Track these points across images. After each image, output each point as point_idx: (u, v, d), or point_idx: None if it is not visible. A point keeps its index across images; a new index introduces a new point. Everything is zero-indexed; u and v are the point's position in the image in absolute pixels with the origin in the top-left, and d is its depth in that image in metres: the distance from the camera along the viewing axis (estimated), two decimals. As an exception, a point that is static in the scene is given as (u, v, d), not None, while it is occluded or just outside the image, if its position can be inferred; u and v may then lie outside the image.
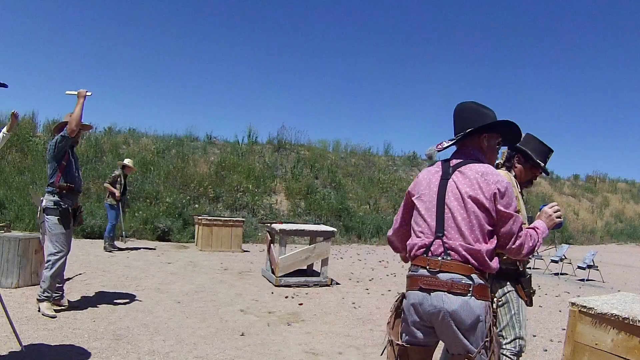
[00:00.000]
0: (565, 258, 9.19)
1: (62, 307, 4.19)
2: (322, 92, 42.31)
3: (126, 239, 8.92)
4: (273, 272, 6.16)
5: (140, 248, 8.59)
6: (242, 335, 3.87)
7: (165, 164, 12.43)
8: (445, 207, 1.77)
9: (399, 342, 1.81)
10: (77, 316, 4.02)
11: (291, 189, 13.24)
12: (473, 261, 1.71)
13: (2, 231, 5.39)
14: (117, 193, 7.90)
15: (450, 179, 1.81)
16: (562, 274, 9.11)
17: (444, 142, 1.94)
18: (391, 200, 14.57)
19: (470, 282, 1.69)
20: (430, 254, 1.75)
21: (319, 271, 6.38)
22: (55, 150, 4.00)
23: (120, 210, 8.01)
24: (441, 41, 49.19)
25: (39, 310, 4.01)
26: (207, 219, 9.19)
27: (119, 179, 8.02)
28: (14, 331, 3.05)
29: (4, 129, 4.99)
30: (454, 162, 1.88)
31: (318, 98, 41.56)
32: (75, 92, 4.03)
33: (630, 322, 2.26)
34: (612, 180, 24.17)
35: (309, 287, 6.08)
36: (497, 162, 2.66)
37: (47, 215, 4.01)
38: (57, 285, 4.18)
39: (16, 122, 4.98)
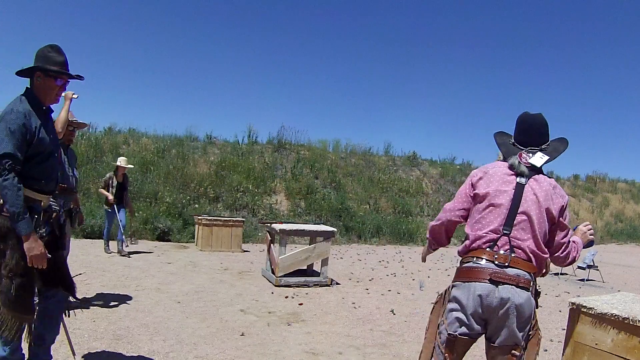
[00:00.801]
0: (565, 258, 9.18)
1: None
2: (322, 92, 42.35)
3: (134, 239, 8.63)
4: (273, 272, 6.16)
5: (148, 252, 8.57)
6: (242, 335, 3.87)
7: (165, 164, 12.43)
8: (520, 209, 1.86)
9: (452, 332, 1.82)
10: (77, 316, 4.01)
11: (291, 189, 13.24)
12: (534, 262, 1.84)
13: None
14: (110, 197, 7.55)
15: (527, 185, 1.91)
16: (562, 274, 9.11)
17: (527, 157, 1.98)
18: (391, 200, 14.57)
19: (532, 279, 1.82)
20: (496, 249, 1.82)
21: (319, 271, 6.38)
22: None
23: (115, 214, 7.53)
24: (441, 41, 49.20)
25: None
26: (207, 219, 9.19)
27: (111, 182, 7.57)
28: (69, 340, 3.00)
29: None
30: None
31: (318, 98, 41.59)
32: (62, 95, 3.99)
33: (630, 322, 2.26)
34: (612, 180, 24.17)
35: (309, 287, 6.08)
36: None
37: None
38: None
39: None
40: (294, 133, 16.41)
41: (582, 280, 8.53)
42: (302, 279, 6.18)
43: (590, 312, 2.46)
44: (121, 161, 7.91)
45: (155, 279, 5.90)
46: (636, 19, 45.08)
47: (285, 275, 6.07)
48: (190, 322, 4.15)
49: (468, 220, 2.00)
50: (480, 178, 1.99)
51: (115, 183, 7.65)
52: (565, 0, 49.50)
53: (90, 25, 35.92)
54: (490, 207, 1.88)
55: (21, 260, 2.23)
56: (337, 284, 6.50)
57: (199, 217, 9.42)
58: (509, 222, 1.84)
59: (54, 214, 2.48)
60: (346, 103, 42.59)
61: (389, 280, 7.10)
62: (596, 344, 2.42)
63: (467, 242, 1.93)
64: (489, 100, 47.13)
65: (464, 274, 1.86)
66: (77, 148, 11.23)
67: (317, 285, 6.18)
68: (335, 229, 6.65)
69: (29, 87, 2.40)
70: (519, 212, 1.85)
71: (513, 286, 1.76)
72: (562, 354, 2.62)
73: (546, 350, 4.04)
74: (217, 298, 5.14)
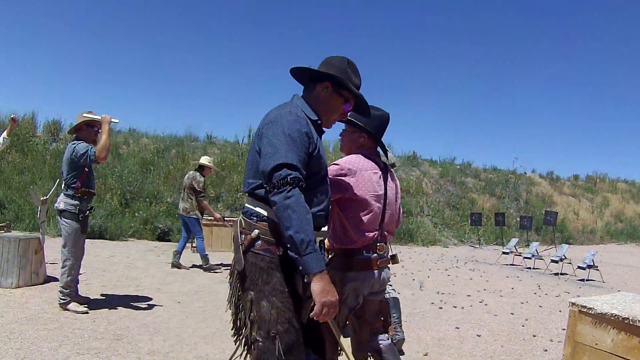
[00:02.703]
0: (565, 258, 9.19)
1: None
2: (322, 92, 42.22)
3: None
4: (273, 272, 6.13)
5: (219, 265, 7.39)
6: (242, 335, 3.87)
7: (165, 164, 12.43)
8: (387, 206, 2.23)
9: (355, 305, 2.19)
10: (77, 316, 4.02)
11: (291, 189, 13.22)
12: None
13: (2, 231, 5.39)
14: (217, 215, 6.88)
15: (388, 179, 2.28)
16: (562, 274, 9.10)
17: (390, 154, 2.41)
18: (391, 200, 14.56)
19: None
20: (376, 242, 2.19)
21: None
22: (80, 162, 4.00)
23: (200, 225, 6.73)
24: (441, 40, 49.19)
25: (67, 310, 4.11)
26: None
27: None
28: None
29: (4, 134, 5.02)
30: (380, 163, 2.27)
31: (318, 98, 41.49)
32: (99, 117, 4.05)
33: (630, 322, 2.26)
34: (612, 180, 24.17)
35: (309, 287, 6.06)
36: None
37: (65, 219, 4.03)
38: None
39: (15, 126, 5.00)
40: (294, 133, 16.42)
41: (582, 280, 8.52)
42: (302, 279, 6.16)
43: (590, 312, 2.47)
44: (206, 161, 6.88)
45: (155, 279, 5.89)
46: (636, 18, 45.06)
47: (285, 275, 6.05)
48: (191, 322, 4.15)
49: (346, 214, 2.14)
50: (362, 180, 2.13)
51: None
52: (566, 1, 49.49)
53: (91, 25, 35.93)
54: (370, 210, 2.14)
55: (285, 311, 1.64)
56: (337, 284, 6.48)
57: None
58: (382, 219, 2.20)
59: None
60: (346, 103, 42.49)
61: (389, 280, 7.09)
62: (596, 344, 2.42)
63: (354, 237, 2.13)
64: (489, 100, 47.13)
65: (360, 265, 2.15)
66: (77, 148, 11.22)
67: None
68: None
69: (301, 95, 1.88)
70: (387, 209, 2.22)
71: (387, 267, 2.27)
72: (562, 354, 2.62)
73: (546, 350, 4.04)
74: (217, 298, 5.14)
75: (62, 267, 4.09)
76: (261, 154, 1.66)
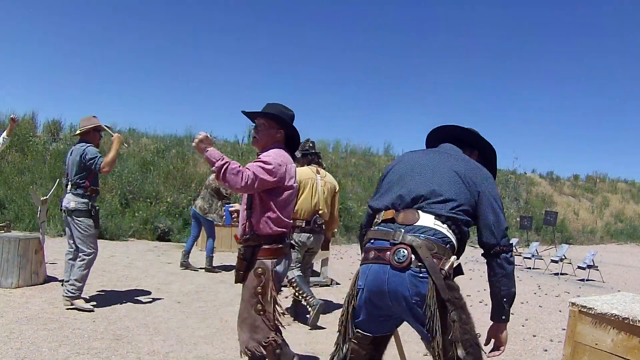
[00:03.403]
0: (565, 258, 9.18)
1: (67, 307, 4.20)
2: (321, 92, 42.36)
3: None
4: (273, 272, 6.14)
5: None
6: (242, 335, 3.87)
7: (165, 164, 12.42)
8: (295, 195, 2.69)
9: None
10: (77, 316, 4.02)
11: (291, 189, 13.22)
12: None
13: (2, 231, 5.39)
14: None
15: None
16: (562, 274, 9.10)
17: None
18: (391, 200, 14.56)
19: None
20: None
21: (319, 271, 6.38)
22: (86, 166, 4.16)
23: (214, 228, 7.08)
24: (441, 40, 49.22)
25: (72, 307, 4.14)
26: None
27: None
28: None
29: (4, 134, 5.02)
30: None
31: (318, 98, 41.61)
32: (113, 134, 4.32)
33: (630, 322, 2.26)
34: (612, 180, 24.16)
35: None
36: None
37: (78, 217, 4.15)
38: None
39: (15, 126, 5.00)
40: (294, 133, 16.42)
41: (582, 280, 8.52)
42: (302, 279, 6.17)
43: (590, 312, 2.46)
44: None
45: (155, 279, 5.89)
46: (636, 18, 45.09)
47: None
48: (190, 322, 4.15)
49: (275, 202, 2.41)
50: (285, 168, 2.44)
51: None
52: (566, 1, 49.54)
53: (90, 25, 35.92)
54: (292, 199, 2.50)
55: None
56: (337, 284, 6.49)
57: (199, 217, 9.38)
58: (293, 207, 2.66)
59: None
60: (346, 103, 42.61)
61: (389, 280, 7.09)
62: (596, 344, 2.42)
63: (283, 223, 2.44)
64: (489, 100, 47.15)
65: (287, 250, 2.57)
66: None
67: (317, 285, 6.17)
68: (335, 229, 6.64)
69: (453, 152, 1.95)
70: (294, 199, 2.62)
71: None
72: (562, 354, 2.62)
73: (546, 350, 4.04)
74: (217, 298, 5.14)
75: (81, 260, 4.16)
76: (485, 207, 1.78)
